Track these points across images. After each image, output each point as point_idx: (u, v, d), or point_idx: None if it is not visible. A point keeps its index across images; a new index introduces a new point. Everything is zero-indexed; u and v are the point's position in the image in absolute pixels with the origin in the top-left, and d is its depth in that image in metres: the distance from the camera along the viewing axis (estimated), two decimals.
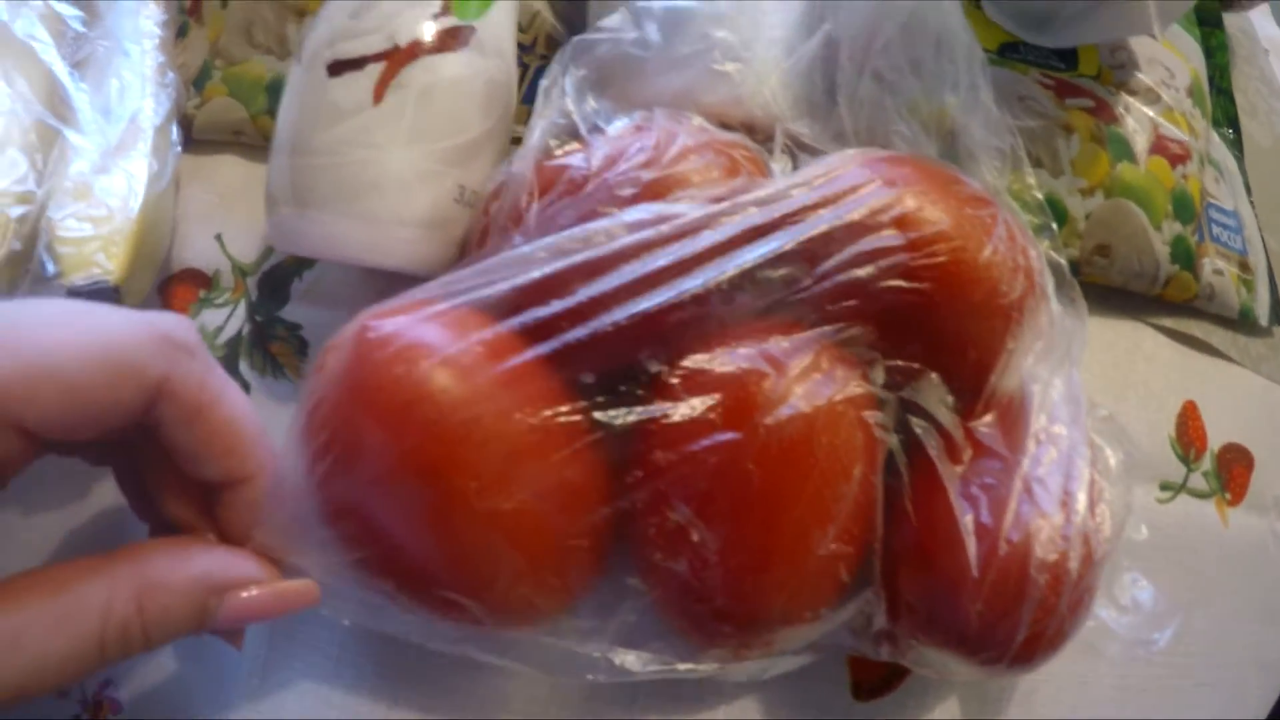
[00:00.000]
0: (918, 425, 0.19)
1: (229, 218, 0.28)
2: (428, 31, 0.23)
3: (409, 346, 0.17)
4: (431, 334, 0.18)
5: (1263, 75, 0.38)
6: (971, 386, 0.20)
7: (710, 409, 0.17)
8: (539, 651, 0.19)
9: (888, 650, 0.21)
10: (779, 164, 0.21)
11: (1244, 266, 0.31)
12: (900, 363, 0.19)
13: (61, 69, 0.27)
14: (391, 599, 0.18)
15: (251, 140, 0.28)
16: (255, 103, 0.28)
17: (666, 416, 0.17)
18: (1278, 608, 0.31)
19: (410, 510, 0.17)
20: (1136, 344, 0.29)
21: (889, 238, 0.18)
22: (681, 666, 0.19)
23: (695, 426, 0.17)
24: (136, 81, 0.27)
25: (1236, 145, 0.34)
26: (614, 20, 0.23)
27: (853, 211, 0.18)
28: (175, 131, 0.28)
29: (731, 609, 0.18)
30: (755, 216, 0.18)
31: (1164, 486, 0.28)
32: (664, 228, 0.18)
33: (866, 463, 0.18)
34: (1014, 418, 0.20)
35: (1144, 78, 0.30)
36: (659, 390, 0.18)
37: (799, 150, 0.22)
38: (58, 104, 0.27)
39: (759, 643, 0.19)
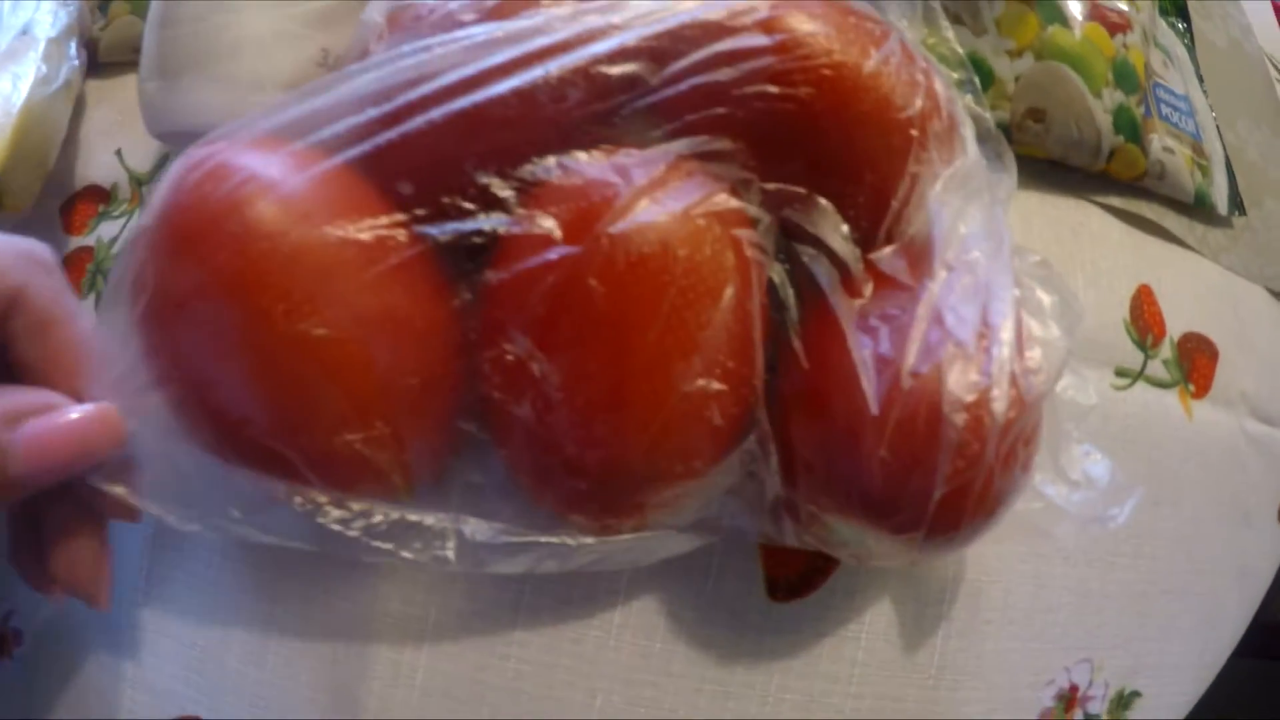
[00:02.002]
0: (805, 253, 0.15)
1: (129, 133, 0.25)
2: None
3: (219, 166, 0.14)
4: (244, 154, 0.14)
5: None
6: (871, 215, 0.16)
7: (546, 221, 0.13)
8: (375, 531, 0.15)
9: (790, 527, 0.17)
10: None
11: (1198, 151, 0.27)
12: (781, 185, 0.15)
13: None
14: (217, 454, 0.15)
15: None
16: None
17: (496, 230, 0.14)
18: (1253, 510, 0.26)
19: (218, 338, 0.14)
20: (1082, 222, 0.25)
21: (753, 38, 0.14)
22: (543, 539, 0.15)
23: (529, 241, 0.14)
24: None
25: (1187, 35, 0.30)
26: None
27: (711, 11, 0.14)
28: (73, 46, 0.25)
29: (584, 459, 0.14)
30: (597, 21, 0.14)
31: (1120, 373, 0.24)
32: (496, 33, 0.14)
33: (739, 287, 0.14)
34: (922, 250, 0.16)
35: None
36: (492, 204, 0.14)
37: None
38: None
39: (626, 506, 0.15)
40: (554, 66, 0.14)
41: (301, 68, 0.20)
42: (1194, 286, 0.26)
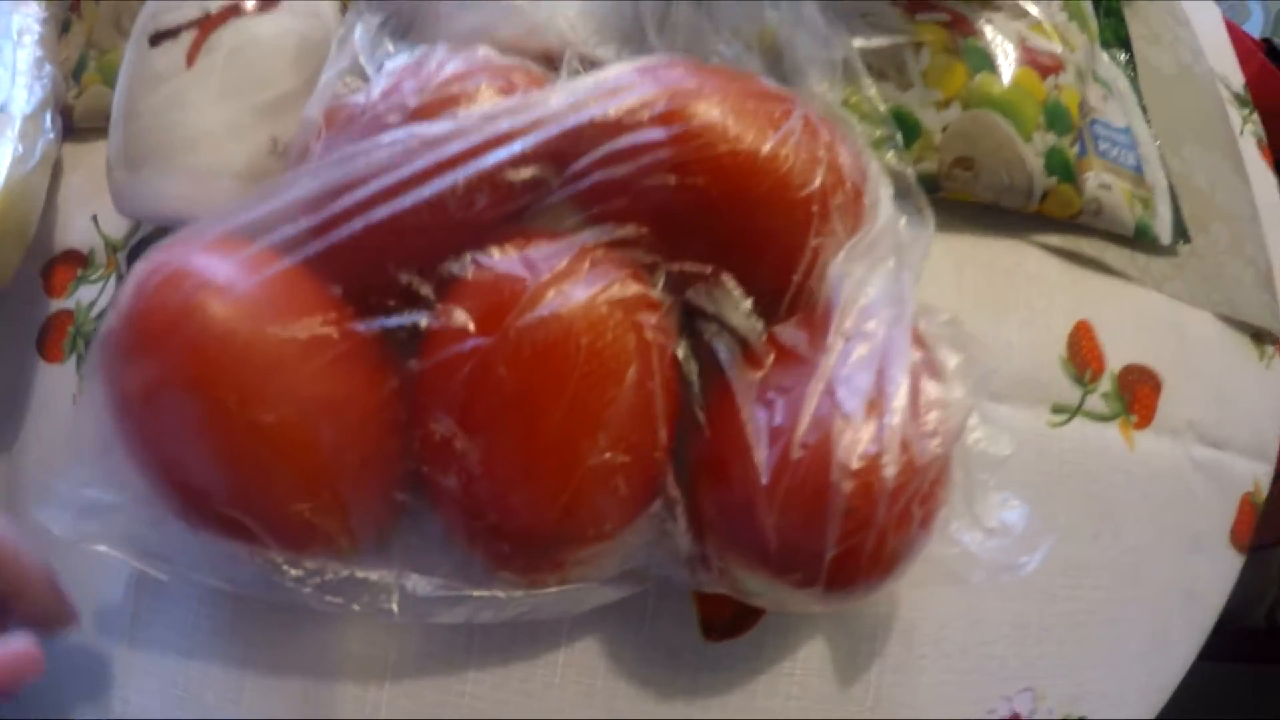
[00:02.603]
0: (707, 330, 0.18)
1: (105, 199, 0.28)
2: None
3: (176, 272, 0.17)
4: (198, 258, 0.17)
5: (1167, 4, 0.35)
6: (773, 288, 0.18)
7: (460, 315, 0.16)
8: (328, 587, 0.18)
9: (706, 577, 0.19)
10: None
11: (1138, 183, 0.29)
12: (686, 266, 0.18)
13: None
14: (185, 521, 0.18)
15: None
16: None
17: (416, 325, 0.16)
18: (1201, 535, 0.28)
19: (181, 426, 0.17)
20: (1018, 263, 0.27)
21: (650, 133, 0.16)
22: (476, 593, 0.18)
23: (447, 334, 0.16)
24: (6, 75, 0.27)
25: (1130, 67, 0.31)
26: None
27: (609, 110, 0.17)
28: (49, 119, 0.28)
29: (505, 525, 0.17)
30: (504, 124, 0.17)
31: (1057, 410, 0.26)
32: (412, 143, 0.17)
33: (641, 367, 0.17)
34: (823, 319, 0.18)
35: None
36: (413, 300, 0.17)
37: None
38: None
39: (547, 564, 0.17)
40: (461, 176, 0.16)
41: (253, 157, 0.22)
42: (1136, 318, 0.28)
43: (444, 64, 0.18)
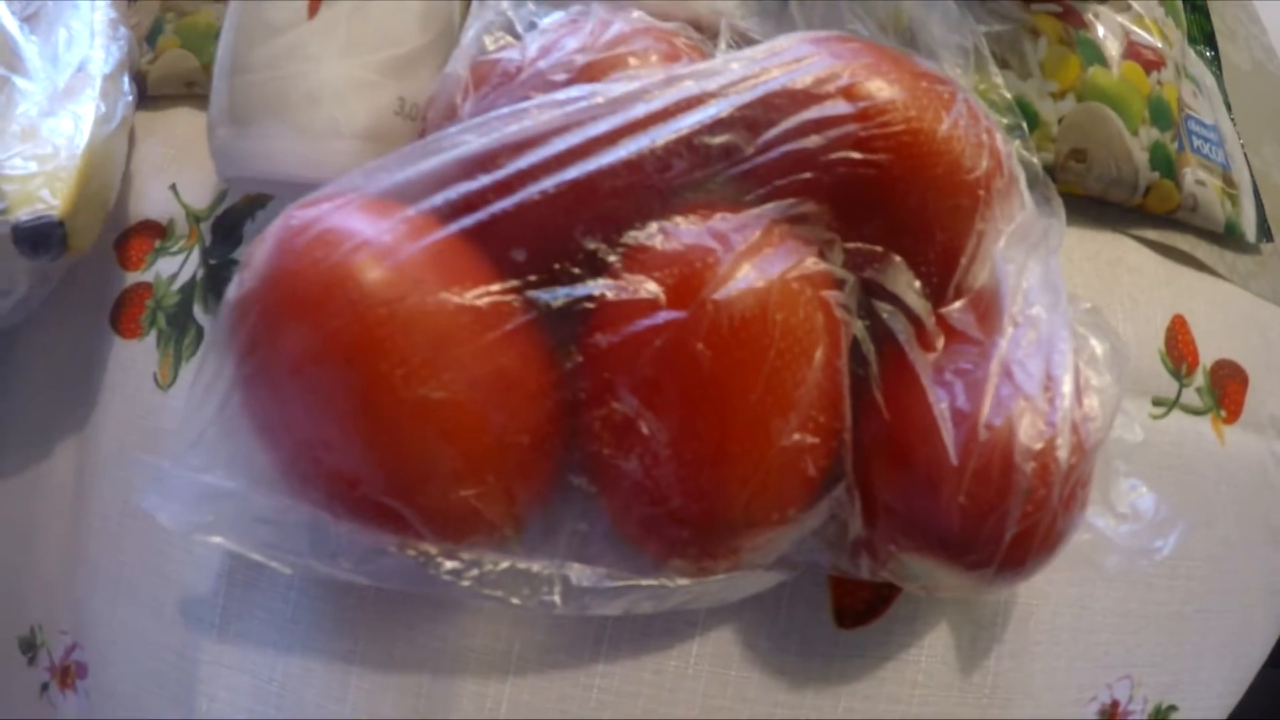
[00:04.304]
0: (883, 310, 0.17)
1: (184, 168, 0.26)
2: None
3: (329, 230, 0.15)
4: (353, 218, 0.15)
5: (1239, 1, 0.36)
6: (941, 271, 0.17)
7: (651, 285, 0.15)
8: (486, 580, 0.17)
9: (867, 563, 0.18)
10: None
11: (1227, 180, 0.29)
12: (861, 245, 0.17)
13: (11, 22, 0.25)
14: (327, 510, 0.16)
15: (204, 90, 0.26)
16: (206, 52, 0.26)
17: (605, 295, 0.15)
18: None
19: (335, 402, 0.15)
20: (1119, 256, 0.26)
21: (837, 106, 0.15)
22: (643, 582, 0.17)
23: (637, 306, 0.15)
24: (85, 31, 0.25)
25: (1215, 64, 0.32)
26: None
27: (797, 79, 0.16)
28: (126, 81, 0.26)
29: (689, 510, 0.15)
30: (692, 87, 0.15)
31: (1156, 402, 0.26)
32: (598, 100, 0.15)
33: (829, 345, 0.16)
34: (988, 303, 0.18)
35: None
36: (598, 269, 0.16)
37: (746, 45, 0.20)
38: (7, 55, 0.25)
39: (723, 550, 0.16)
40: (659, 137, 0.15)
41: (378, 116, 0.21)
42: (1224, 314, 0.28)
43: (607, 24, 0.17)
